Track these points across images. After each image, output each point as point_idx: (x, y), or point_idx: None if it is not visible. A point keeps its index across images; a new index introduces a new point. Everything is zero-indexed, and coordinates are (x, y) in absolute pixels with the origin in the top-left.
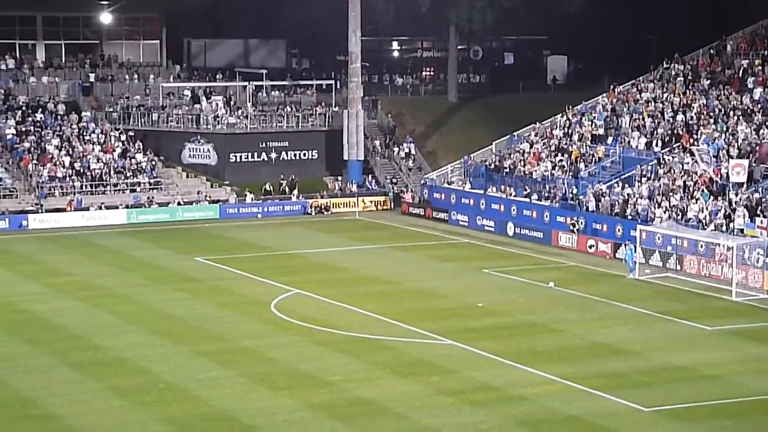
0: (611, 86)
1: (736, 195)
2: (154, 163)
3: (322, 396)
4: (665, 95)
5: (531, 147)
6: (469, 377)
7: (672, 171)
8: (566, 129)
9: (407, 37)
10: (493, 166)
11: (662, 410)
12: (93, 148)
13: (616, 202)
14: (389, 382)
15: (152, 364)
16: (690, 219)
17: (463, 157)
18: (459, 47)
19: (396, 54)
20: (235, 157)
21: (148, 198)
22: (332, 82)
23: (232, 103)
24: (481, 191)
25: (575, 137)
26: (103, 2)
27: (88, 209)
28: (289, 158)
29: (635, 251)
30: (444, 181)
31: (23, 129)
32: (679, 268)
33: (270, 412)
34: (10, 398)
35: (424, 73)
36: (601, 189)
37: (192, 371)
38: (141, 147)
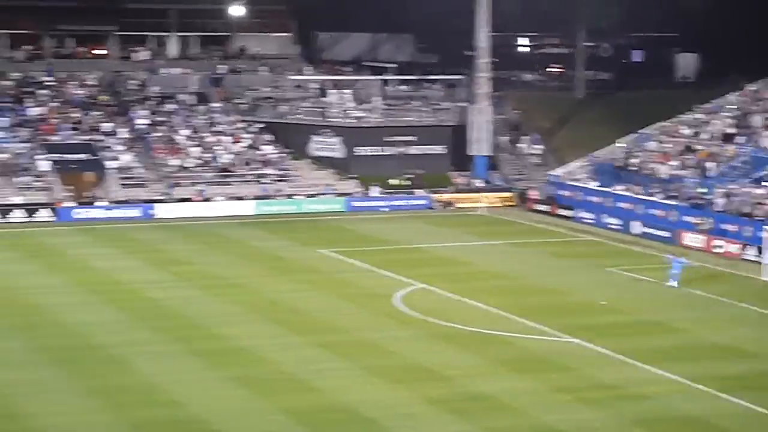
0: (742, 85)
1: None
2: (281, 154)
3: (440, 390)
4: None
5: (658, 145)
6: (588, 375)
7: None
8: (695, 128)
9: (535, 33)
10: (619, 163)
11: None
12: (221, 140)
13: (746, 203)
14: (508, 378)
15: (273, 354)
16: None
17: (589, 154)
18: (587, 44)
19: (523, 50)
20: (361, 150)
21: (275, 190)
22: (459, 77)
23: (359, 96)
24: (608, 189)
25: (704, 136)
26: None
27: (212, 200)
28: (415, 152)
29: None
30: (570, 178)
31: (155, 119)
32: None
33: (388, 404)
34: (135, 383)
35: (551, 69)
36: (731, 189)
37: (312, 362)
38: (269, 139)
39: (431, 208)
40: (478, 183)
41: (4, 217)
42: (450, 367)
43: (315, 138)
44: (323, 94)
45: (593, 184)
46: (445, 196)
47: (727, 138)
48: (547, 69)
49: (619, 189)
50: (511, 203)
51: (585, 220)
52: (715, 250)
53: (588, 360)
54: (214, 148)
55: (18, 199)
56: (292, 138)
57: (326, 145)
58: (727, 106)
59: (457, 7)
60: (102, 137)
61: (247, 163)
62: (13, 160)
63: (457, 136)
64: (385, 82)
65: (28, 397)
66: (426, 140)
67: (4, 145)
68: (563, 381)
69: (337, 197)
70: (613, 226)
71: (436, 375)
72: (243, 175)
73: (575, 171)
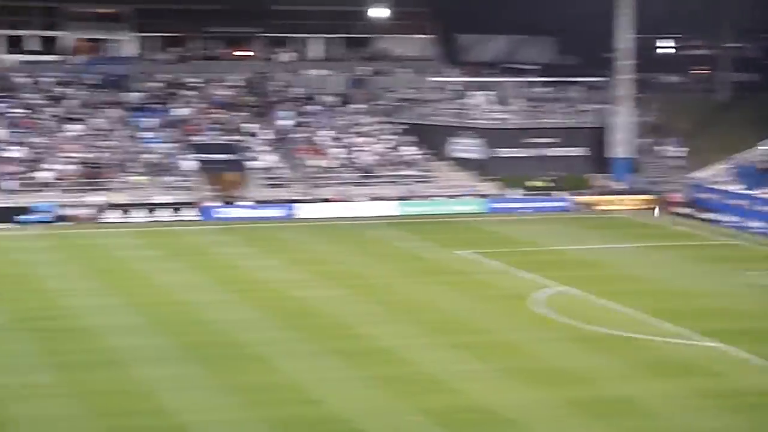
0: None
1: None
2: (422, 156)
3: (580, 392)
4: None
5: None
6: (731, 380)
7: None
8: None
9: (678, 34)
10: (763, 166)
11: None
12: (363, 141)
13: None
14: (649, 382)
15: (411, 354)
16: None
17: (731, 156)
18: (731, 45)
19: (666, 51)
20: (502, 151)
21: (410, 191)
22: (601, 79)
23: (500, 98)
24: (750, 192)
25: None
26: None
27: (354, 200)
28: (555, 154)
29: None
30: (712, 182)
31: (298, 120)
32: None
33: (527, 406)
34: (275, 381)
35: (693, 71)
36: None
37: (450, 363)
38: (410, 140)
39: (571, 210)
40: (619, 185)
41: (151, 214)
42: (590, 369)
43: (456, 139)
44: (464, 95)
45: (735, 187)
46: (586, 199)
47: None
48: (691, 71)
49: (762, 192)
50: (651, 206)
51: (727, 224)
52: None
53: (730, 365)
54: (356, 149)
55: (164, 198)
56: (431, 139)
57: (466, 146)
58: None
59: (598, 9)
60: (245, 138)
61: (388, 164)
62: (161, 159)
63: (599, 138)
64: (526, 83)
65: (171, 393)
66: (566, 142)
67: (152, 145)
68: (705, 385)
69: (476, 198)
70: (756, 230)
71: (576, 377)
72: (384, 176)
73: (717, 174)
